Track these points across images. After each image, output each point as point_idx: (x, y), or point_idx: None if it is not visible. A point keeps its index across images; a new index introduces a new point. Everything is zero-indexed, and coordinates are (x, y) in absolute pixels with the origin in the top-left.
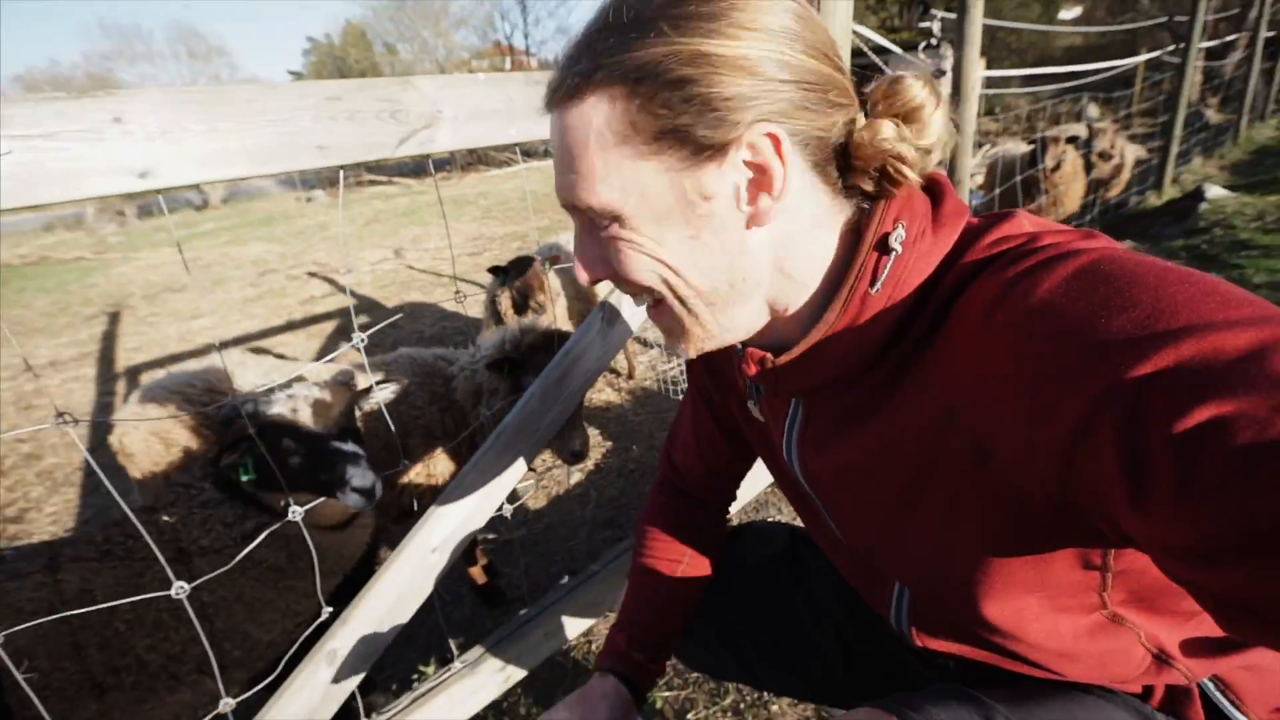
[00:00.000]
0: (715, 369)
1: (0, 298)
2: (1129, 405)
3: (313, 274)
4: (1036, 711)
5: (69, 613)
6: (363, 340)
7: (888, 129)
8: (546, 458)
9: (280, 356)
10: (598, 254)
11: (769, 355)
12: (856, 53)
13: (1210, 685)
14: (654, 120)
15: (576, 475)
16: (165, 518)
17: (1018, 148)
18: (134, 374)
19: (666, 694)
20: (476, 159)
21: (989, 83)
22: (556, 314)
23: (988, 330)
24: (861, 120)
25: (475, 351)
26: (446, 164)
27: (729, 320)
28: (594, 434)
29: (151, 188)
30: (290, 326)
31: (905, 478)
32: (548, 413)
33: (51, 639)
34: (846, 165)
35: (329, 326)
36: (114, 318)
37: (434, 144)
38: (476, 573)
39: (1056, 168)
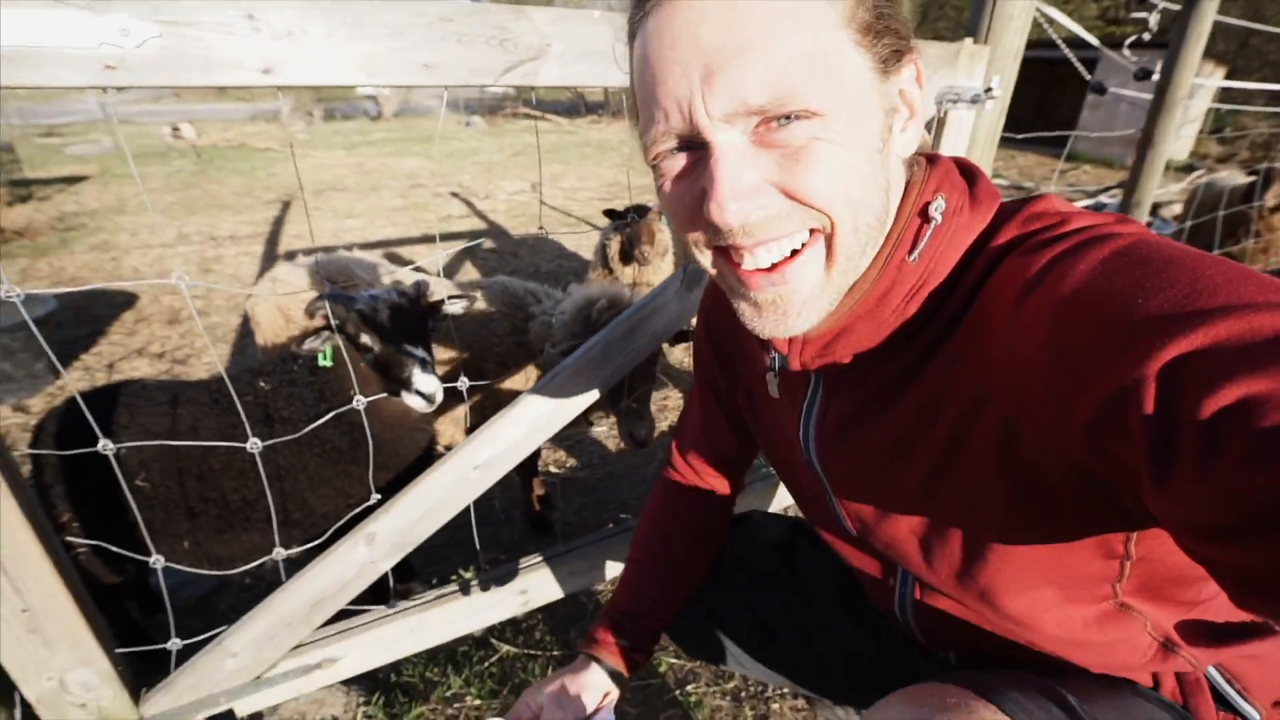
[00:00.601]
0: (725, 357)
1: (205, 174)
2: (1161, 381)
3: (455, 194)
4: (1099, 700)
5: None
6: (445, 256)
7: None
8: (559, 458)
9: (410, 264)
10: (759, 176)
11: None
12: (1038, 43)
13: (1216, 675)
14: (871, 10)
15: (585, 473)
16: (262, 384)
17: (1234, 178)
18: (291, 256)
19: (672, 661)
20: (629, 107)
21: (1223, 95)
22: (662, 268)
23: (1023, 311)
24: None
25: (563, 299)
26: (600, 107)
27: (856, 271)
28: (675, 397)
29: (273, 83)
30: (426, 239)
31: (931, 461)
32: (609, 363)
33: (164, 459)
34: None
35: (458, 245)
36: (286, 206)
37: (537, 77)
38: (533, 500)
39: (1277, 209)
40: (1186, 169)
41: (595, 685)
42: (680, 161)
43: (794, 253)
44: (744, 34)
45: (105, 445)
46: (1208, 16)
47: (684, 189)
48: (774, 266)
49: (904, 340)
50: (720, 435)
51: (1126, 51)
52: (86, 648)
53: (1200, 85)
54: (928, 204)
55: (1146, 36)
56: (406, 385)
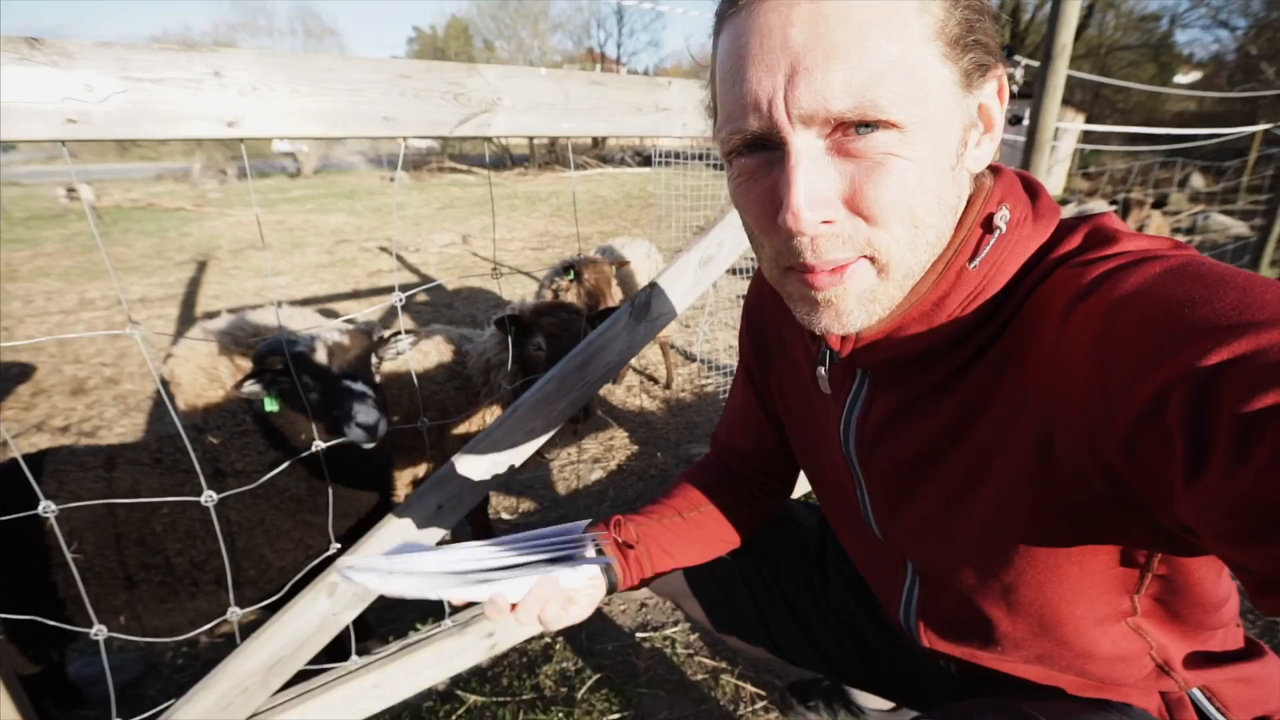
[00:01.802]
0: (761, 346)
1: (109, 236)
2: (1201, 384)
3: (383, 248)
4: None
5: (116, 501)
6: (401, 299)
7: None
8: (572, 451)
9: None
10: (834, 188)
11: None
12: None
13: (1199, 694)
14: (960, 23)
15: (597, 473)
16: (210, 439)
17: (1099, 207)
18: (210, 317)
19: (735, 681)
20: (554, 159)
21: (1085, 138)
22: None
23: (1071, 320)
24: None
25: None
26: (526, 160)
27: (914, 280)
28: (621, 437)
29: (236, 136)
30: (355, 295)
31: (967, 464)
32: (565, 396)
33: (99, 527)
34: None
35: (390, 298)
36: (201, 266)
37: (490, 128)
38: None
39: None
40: (1061, 202)
41: (583, 569)
42: (754, 160)
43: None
44: (833, 39)
45: (47, 507)
46: (1061, 71)
47: (758, 190)
48: (835, 269)
49: (955, 344)
50: (758, 428)
51: None
52: None
53: (1064, 129)
54: (992, 214)
55: (1015, 89)
56: (347, 419)
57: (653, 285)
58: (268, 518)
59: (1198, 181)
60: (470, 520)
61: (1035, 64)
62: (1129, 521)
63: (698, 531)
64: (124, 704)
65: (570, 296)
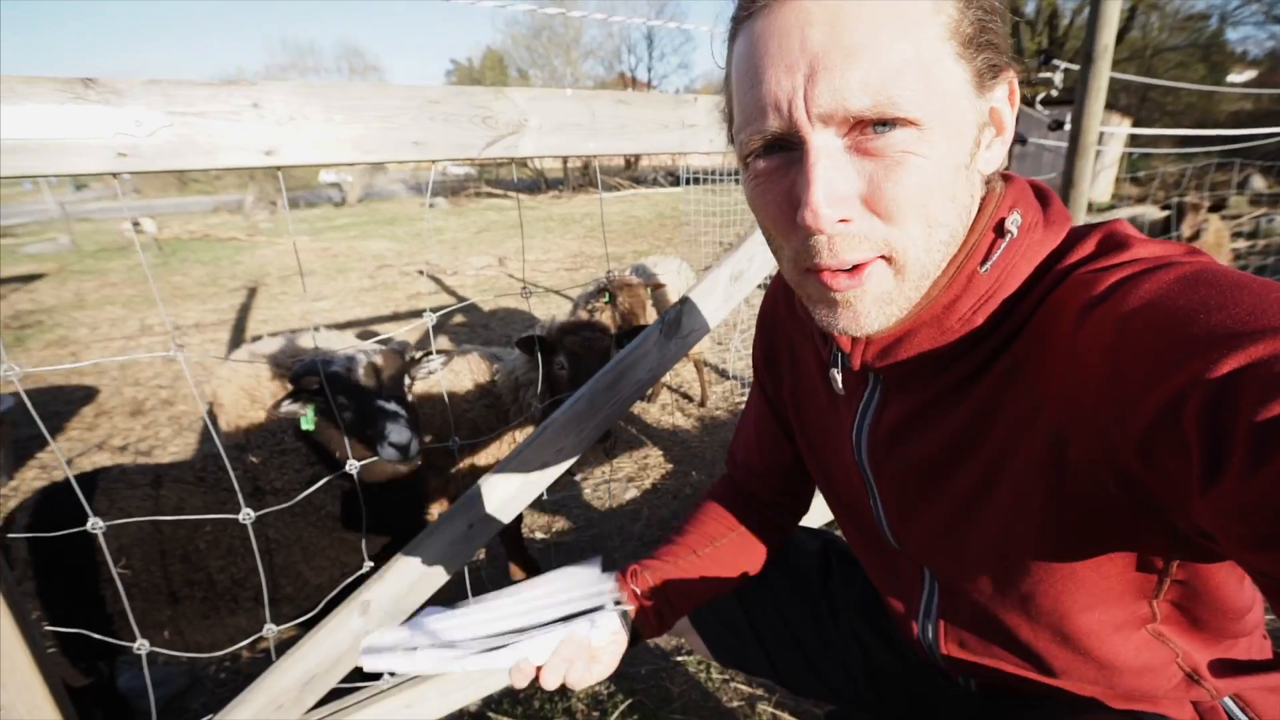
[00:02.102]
0: (773, 355)
1: (168, 266)
2: (1218, 389)
3: (422, 272)
4: None
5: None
6: (433, 319)
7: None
8: (606, 470)
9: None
10: (852, 185)
11: None
12: None
13: (1231, 704)
14: (974, 24)
15: (631, 491)
16: (251, 458)
17: (1151, 213)
18: (256, 340)
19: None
20: (588, 181)
21: (1133, 142)
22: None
23: (1086, 325)
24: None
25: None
26: (560, 183)
27: (930, 281)
28: (656, 455)
29: (274, 164)
30: (395, 317)
31: (981, 470)
32: (595, 415)
33: (146, 543)
34: None
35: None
36: (252, 292)
37: (518, 149)
38: (515, 569)
39: (1194, 237)
40: (1109, 209)
41: (604, 623)
42: (772, 161)
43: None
44: (850, 39)
45: (95, 524)
46: (1103, 73)
47: (775, 190)
48: (853, 270)
49: (967, 349)
50: (774, 441)
51: (1040, 106)
52: None
53: (1110, 133)
54: (1003, 219)
55: (1054, 93)
56: (380, 438)
57: (683, 301)
58: (305, 535)
59: (1259, 183)
60: (503, 539)
61: (1075, 68)
62: (1145, 526)
63: (715, 566)
64: (168, 716)
65: (605, 319)
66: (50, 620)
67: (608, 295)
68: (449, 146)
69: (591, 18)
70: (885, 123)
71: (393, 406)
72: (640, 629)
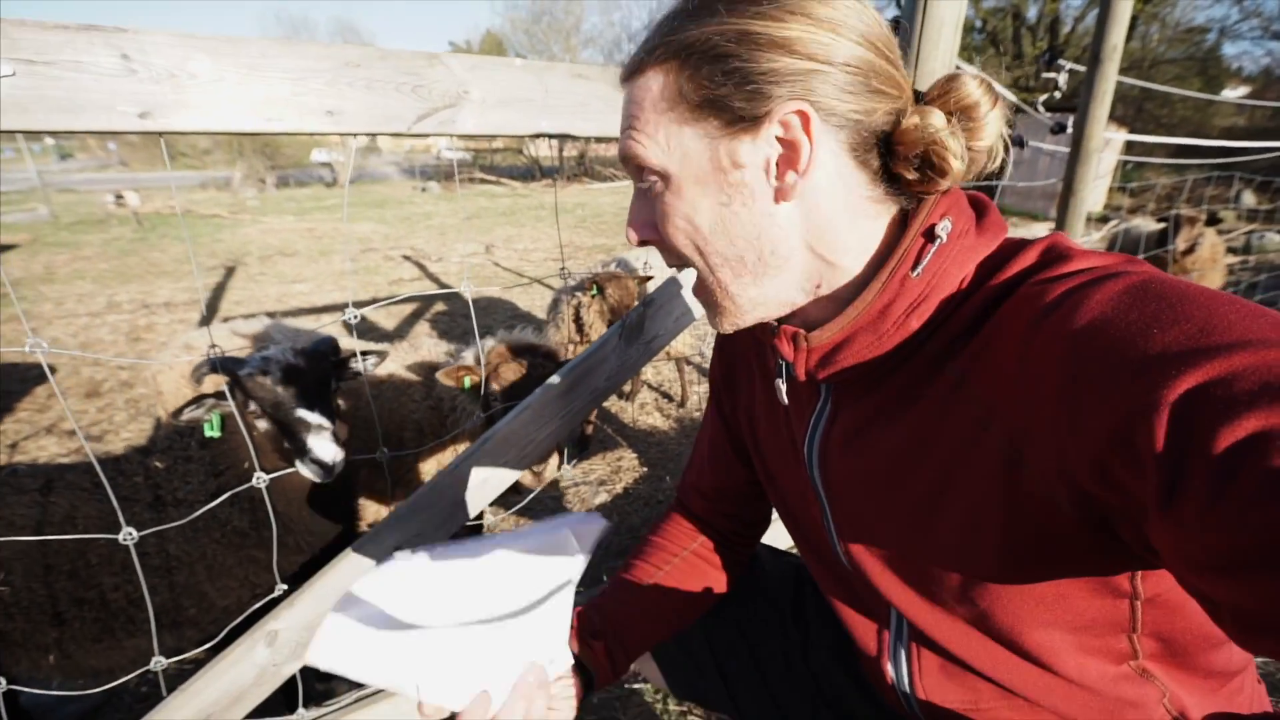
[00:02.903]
0: (731, 374)
1: (146, 241)
2: (1173, 412)
3: (407, 257)
4: None
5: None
6: (355, 317)
7: (937, 118)
8: (576, 475)
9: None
10: (646, 216)
11: (802, 331)
12: None
13: None
14: (698, 90)
15: (603, 496)
16: (156, 463)
17: (1147, 224)
18: (225, 321)
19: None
20: (583, 171)
21: (1128, 152)
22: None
23: (1034, 338)
24: (911, 110)
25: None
26: (555, 171)
27: (759, 294)
28: (631, 458)
29: (150, 129)
30: (374, 301)
31: (931, 481)
32: (544, 426)
33: (29, 557)
34: (890, 154)
35: (408, 308)
36: (229, 272)
37: (455, 125)
38: None
39: (1189, 250)
40: (1103, 219)
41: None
42: None
43: None
44: (624, 115)
45: None
46: (1110, 75)
47: None
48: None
49: (908, 355)
50: (726, 464)
51: (1041, 109)
52: None
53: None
54: (933, 225)
55: (1058, 95)
56: (301, 453)
57: (647, 302)
58: (209, 552)
59: (1249, 199)
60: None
61: (1081, 69)
62: (1099, 542)
63: (667, 601)
64: None
65: (593, 312)
66: None
67: (595, 288)
68: (371, 118)
69: (591, 3)
70: (648, 174)
71: (315, 417)
72: (594, 674)
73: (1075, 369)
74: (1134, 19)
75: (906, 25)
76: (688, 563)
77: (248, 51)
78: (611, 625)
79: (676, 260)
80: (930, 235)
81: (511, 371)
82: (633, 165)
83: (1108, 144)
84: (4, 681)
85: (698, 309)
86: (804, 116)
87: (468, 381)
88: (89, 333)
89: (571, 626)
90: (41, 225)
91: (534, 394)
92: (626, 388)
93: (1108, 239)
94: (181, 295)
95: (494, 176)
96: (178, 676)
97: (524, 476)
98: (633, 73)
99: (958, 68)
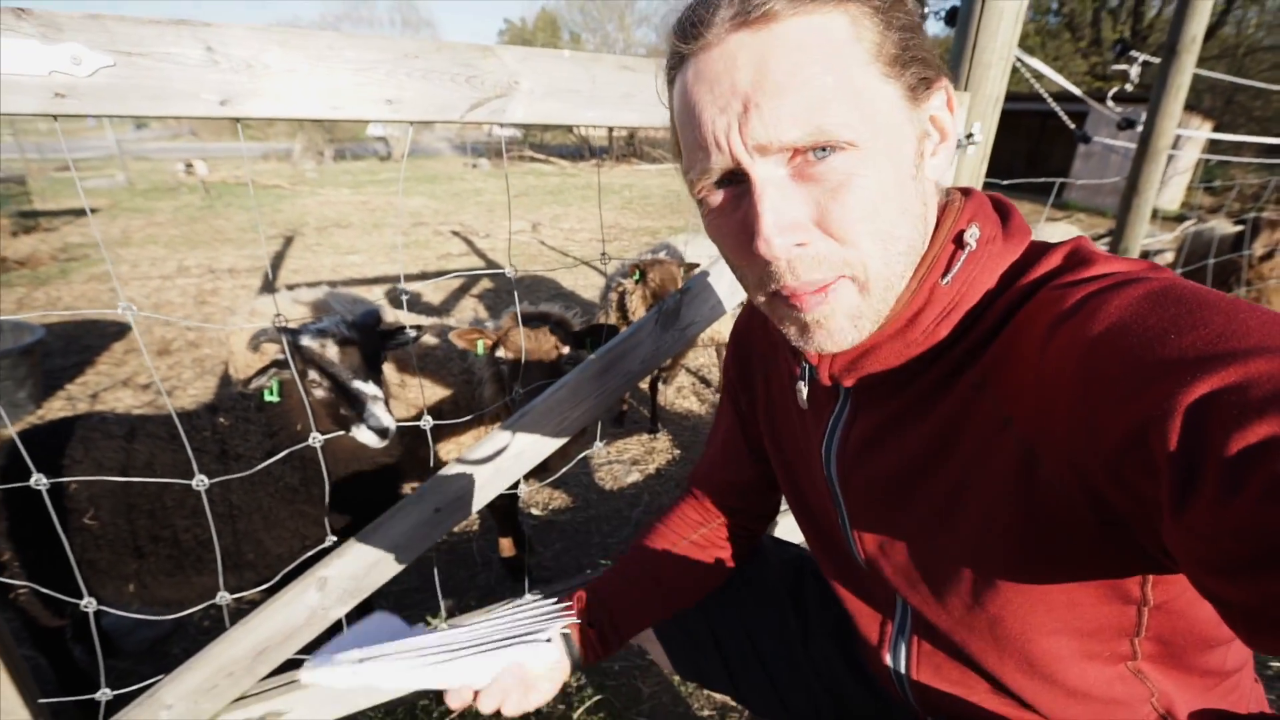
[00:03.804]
0: (748, 376)
1: (212, 209)
2: (1189, 414)
3: (455, 232)
4: None
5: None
6: (405, 294)
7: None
8: (610, 453)
9: (404, 295)
10: (803, 212)
11: None
12: (1018, 96)
13: None
14: (897, 43)
15: (634, 475)
16: (222, 420)
17: (1222, 227)
18: (288, 289)
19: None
20: (632, 151)
21: (1212, 148)
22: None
23: (1055, 341)
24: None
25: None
26: (605, 151)
27: (896, 295)
28: (664, 439)
29: (228, 115)
30: (423, 276)
31: (949, 482)
32: (578, 405)
33: (115, 496)
34: None
35: (455, 283)
36: (288, 241)
37: (505, 114)
38: (506, 544)
39: (1268, 257)
40: (1177, 219)
41: (543, 654)
42: (722, 195)
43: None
44: (775, 78)
45: (39, 480)
46: (1187, 69)
47: (730, 223)
48: (818, 290)
49: (932, 361)
50: (738, 459)
51: (1110, 103)
52: (4, 697)
53: (1186, 136)
54: (962, 231)
55: (1129, 88)
56: (358, 421)
57: (684, 289)
58: (265, 504)
59: None
60: (494, 513)
61: (1156, 61)
62: (1114, 547)
63: (666, 586)
64: (151, 658)
65: (636, 298)
66: (24, 562)
67: (638, 273)
68: (426, 107)
69: None
70: (823, 148)
71: (370, 388)
72: (583, 655)
73: (1093, 371)
74: (1229, 2)
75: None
76: (690, 550)
77: (316, 44)
78: (608, 608)
79: (832, 266)
80: (960, 242)
81: (521, 337)
82: (801, 131)
83: (1186, 141)
84: (95, 601)
85: (730, 300)
86: (948, 95)
87: (480, 346)
88: (160, 294)
89: (568, 609)
90: (119, 191)
91: (571, 372)
92: (665, 369)
93: (1179, 240)
94: (244, 262)
95: (543, 155)
96: (237, 614)
97: (552, 457)
98: (792, 10)
99: (1017, 60)
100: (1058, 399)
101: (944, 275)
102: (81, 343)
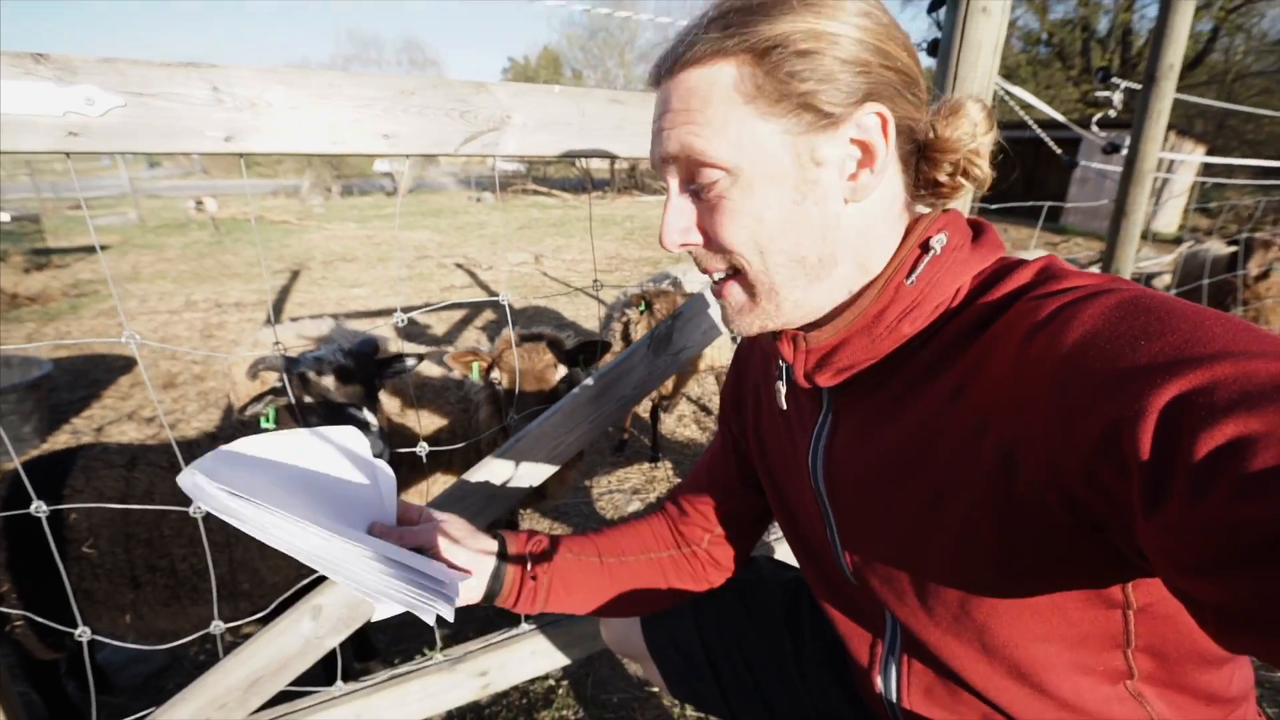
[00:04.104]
0: (741, 392)
1: (221, 245)
2: (1158, 417)
3: (459, 265)
4: None
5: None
6: (403, 321)
7: (966, 124)
8: (611, 482)
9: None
10: (688, 221)
11: (801, 333)
12: (1012, 124)
13: None
14: (779, 86)
15: (635, 504)
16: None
17: (1216, 248)
18: (292, 321)
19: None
20: (633, 184)
21: (1206, 172)
22: None
23: (1028, 349)
24: (943, 121)
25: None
26: (606, 184)
27: (804, 297)
28: (665, 468)
29: (233, 150)
30: (423, 307)
31: (929, 489)
32: (572, 430)
33: (112, 525)
34: (926, 161)
35: (457, 314)
36: (294, 275)
37: (498, 147)
38: None
39: (1263, 276)
40: (1175, 241)
41: (473, 545)
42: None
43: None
44: (677, 109)
45: (39, 508)
46: (1167, 95)
47: None
48: (721, 283)
49: (902, 361)
50: (722, 476)
51: (1095, 128)
52: None
53: (1180, 160)
54: (929, 239)
55: (1113, 114)
56: None
57: (676, 315)
58: None
59: None
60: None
61: (1138, 87)
62: (1088, 549)
63: (609, 580)
64: (145, 694)
65: (641, 328)
66: (22, 594)
67: (644, 304)
68: (422, 141)
69: (647, 20)
70: (705, 169)
71: (363, 415)
72: (501, 590)
73: (1067, 377)
74: (1215, 30)
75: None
76: (638, 567)
77: (317, 82)
78: (551, 569)
79: (721, 264)
80: (925, 247)
81: (515, 357)
82: (684, 163)
83: (1180, 165)
84: (89, 631)
85: (724, 324)
86: (883, 119)
87: (475, 368)
88: (168, 328)
89: (517, 536)
90: (130, 228)
91: (565, 398)
92: (665, 396)
93: (1176, 263)
94: (251, 296)
95: (545, 188)
96: (232, 645)
97: (550, 483)
98: (692, 62)
99: (998, 88)
100: (1034, 403)
101: (909, 276)
102: (89, 377)
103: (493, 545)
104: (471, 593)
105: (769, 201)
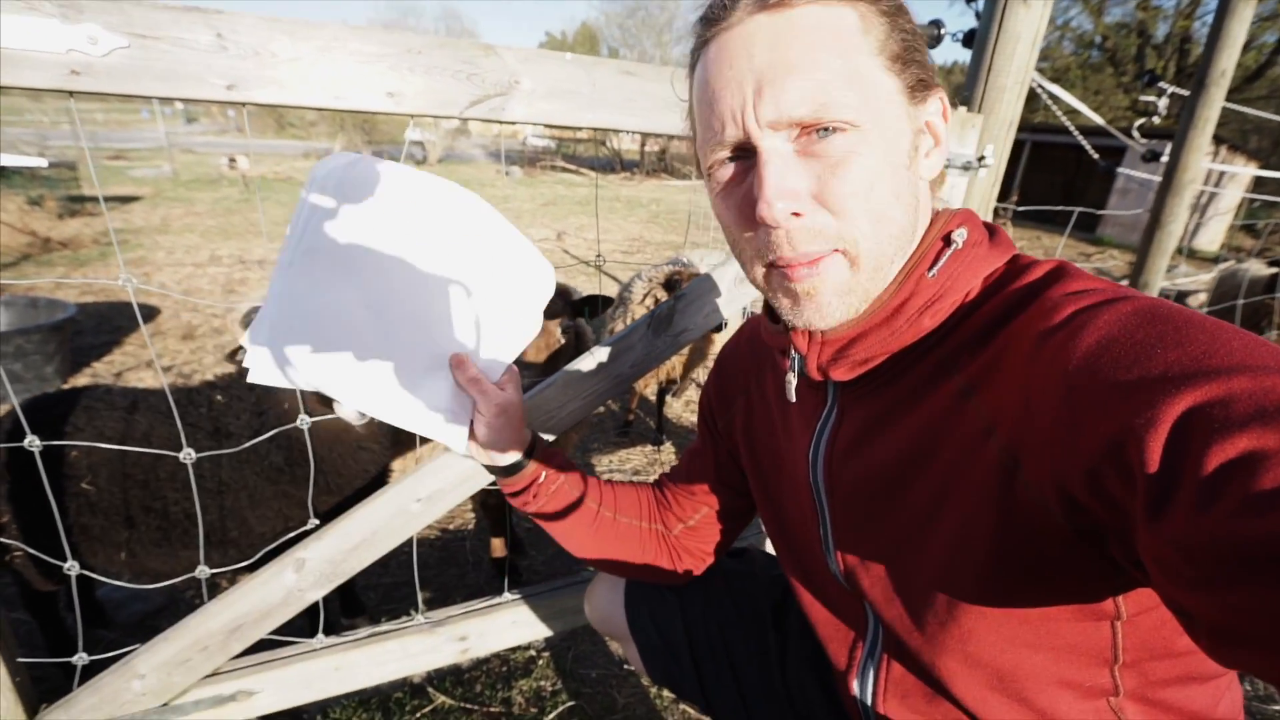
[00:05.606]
0: (727, 389)
1: (249, 203)
2: (1168, 427)
3: None
4: None
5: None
6: None
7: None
8: (613, 463)
9: None
10: (804, 182)
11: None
12: (1051, 128)
13: None
14: (900, 43)
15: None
16: (218, 397)
17: (1255, 267)
18: None
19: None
20: (662, 167)
21: (1257, 188)
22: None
23: (1043, 352)
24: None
25: None
26: (635, 165)
27: (889, 276)
28: (669, 451)
29: (235, 99)
30: None
31: (930, 489)
32: (568, 403)
33: (111, 464)
34: None
35: None
36: None
37: (504, 112)
38: (497, 544)
39: None
40: (1214, 260)
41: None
42: (731, 169)
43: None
44: (788, 57)
45: (32, 441)
46: (1215, 102)
47: (735, 193)
48: (811, 261)
49: (918, 357)
50: (699, 472)
51: (1136, 134)
52: None
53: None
54: (951, 232)
55: (1157, 120)
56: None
57: (678, 297)
58: (251, 482)
59: None
60: (485, 511)
61: (1185, 94)
62: (1084, 558)
63: (596, 529)
64: (141, 631)
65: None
66: (21, 525)
67: (676, 283)
68: (427, 101)
69: (687, 1)
70: (827, 127)
71: None
72: (526, 469)
73: (1079, 380)
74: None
75: (981, 37)
76: (625, 527)
77: (322, 34)
78: (558, 487)
79: (821, 241)
80: (947, 240)
81: None
82: (802, 114)
83: (1229, 180)
84: (77, 565)
85: (731, 307)
86: (944, 102)
87: None
88: (191, 281)
89: (547, 448)
90: (163, 181)
91: (561, 370)
92: (672, 380)
93: (1213, 282)
94: (274, 255)
95: (574, 165)
96: (219, 590)
97: None
98: None
99: (1036, 85)
100: (1044, 404)
101: (930, 268)
102: (113, 324)
103: (528, 440)
104: (497, 459)
105: (889, 161)
